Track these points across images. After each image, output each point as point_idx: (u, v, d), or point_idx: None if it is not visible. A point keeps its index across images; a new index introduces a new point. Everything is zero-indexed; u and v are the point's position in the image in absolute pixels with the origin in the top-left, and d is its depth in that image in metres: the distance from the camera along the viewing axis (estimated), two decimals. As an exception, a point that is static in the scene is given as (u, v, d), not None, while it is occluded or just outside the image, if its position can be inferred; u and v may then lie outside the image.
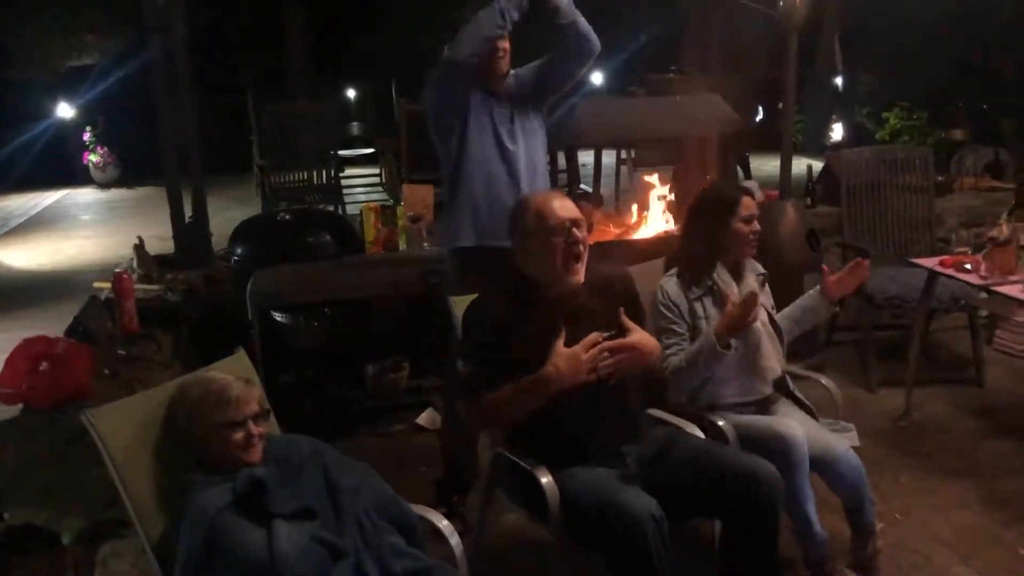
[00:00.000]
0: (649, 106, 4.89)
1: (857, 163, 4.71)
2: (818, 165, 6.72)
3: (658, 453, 2.38)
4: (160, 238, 5.36)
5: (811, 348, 4.30)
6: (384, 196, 8.36)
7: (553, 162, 4.82)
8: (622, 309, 2.33)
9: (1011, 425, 3.84)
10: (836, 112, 10.78)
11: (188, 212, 4.66)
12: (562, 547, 2.28)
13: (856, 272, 2.82)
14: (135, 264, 4.45)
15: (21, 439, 2.91)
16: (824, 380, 3.05)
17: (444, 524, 2.24)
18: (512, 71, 3.11)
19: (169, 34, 4.35)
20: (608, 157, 7.29)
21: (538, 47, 3.10)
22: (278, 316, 4.01)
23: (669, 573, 2.07)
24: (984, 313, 4.43)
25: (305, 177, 7.20)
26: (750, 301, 2.52)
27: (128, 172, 11.98)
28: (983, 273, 3.37)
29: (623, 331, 2.33)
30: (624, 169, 7.21)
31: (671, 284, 2.77)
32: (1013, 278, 3.28)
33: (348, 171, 8.74)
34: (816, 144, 10.04)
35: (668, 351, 2.65)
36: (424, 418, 4.00)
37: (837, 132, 10.43)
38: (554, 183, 3.89)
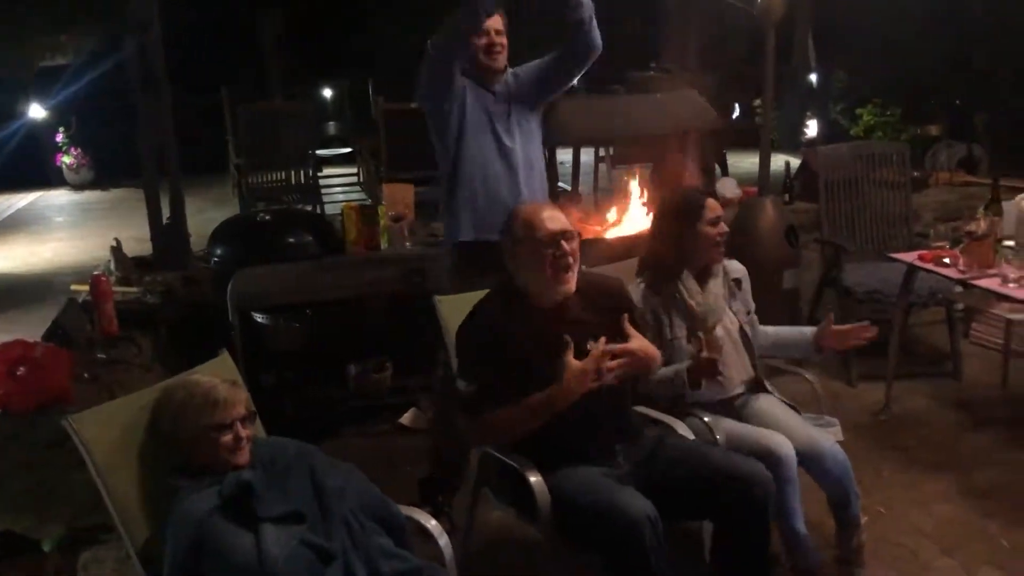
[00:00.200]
0: (630, 104, 4.90)
1: (835, 159, 4.74)
2: (795, 161, 6.77)
3: (650, 453, 2.39)
4: (137, 239, 5.30)
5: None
6: (362, 196, 8.32)
7: (553, 160, 4.80)
8: (625, 316, 2.33)
9: (989, 417, 3.88)
10: (811, 108, 10.84)
11: (165, 213, 4.62)
12: (552, 546, 2.28)
13: (859, 334, 2.77)
14: (112, 266, 4.41)
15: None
16: (807, 375, 3.07)
17: (432, 524, 2.23)
18: (511, 70, 3.12)
19: (145, 33, 4.30)
20: (586, 155, 7.31)
21: (538, 47, 3.12)
22: (259, 317, 3.98)
23: (666, 574, 2.08)
24: (960, 307, 4.47)
25: (283, 177, 7.13)
26: (713, 349, 2.52)
27: (102, 173, 11.83)
28: (962, 267, 3.40)
29: (621, 339, 2.33)
30: (603, 167, 7.22)
31: (636, 292, 2.75)
32: (991, 272, 3.32)
33: (325, 171, 8.69)
34: (791, 140, 10.10)
35: None
36: (407, 418, 3.98)
37: (812, 128, 10.49)
38: (551, 181, 3.90)
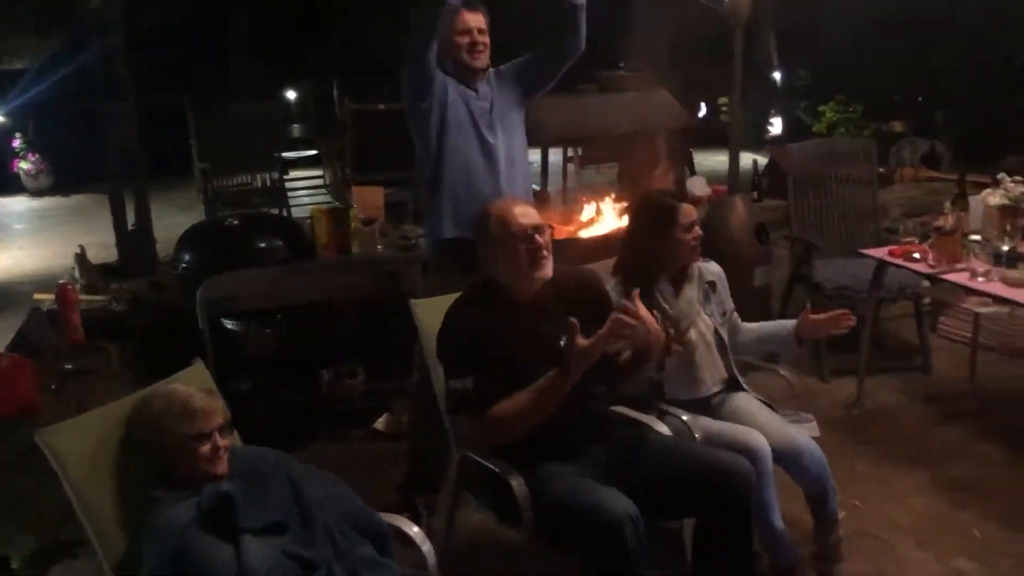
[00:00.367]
0: (601, 103, 4.90)
1: (803, 157, 4.77)
2: (761, 159, 6.84)
3: (629, 451, 2.39)
4: (101, 246, 5.22)
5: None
6: (328, 198, 8.25)
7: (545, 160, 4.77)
8: (636, 292, 2.26)
9: (959, 410, 3.94)
10: (774, 106, 10.96)
11: (129, 219, 4.55)
12: (533, 548, 2.27)
13: (837, 321, 2.77)
14: (77, 274, 4.34)
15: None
16: (783, 371, 3.09)
17: (415, 531, 2.21)
18: (493, 68, 3.12)
19: (108, 36, 4.23)
20: (554, 155, 7.31)
21: (521, 46, 3.12)
22: (229, 323, 3.92)
23: (646, 573, 2.07)
24: (927, 301, 4.53)
25: (249, 180, 7.05)
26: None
27: (62, 179, 11.61)
28: (931, 262, 3.44)
29: (598, 328, 2.33)
30: (571, 167, 7.22)
31: (613, 293, 2.74)
32: (959, 266, 3.36)
33: (291, 173, 8.61)
34: (755, 138, 10.20)
35: None
36: (381, 423, 3.94)
37: (776, 126, 10.60)
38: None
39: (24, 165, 11.83)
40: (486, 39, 3.03)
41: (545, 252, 2.36)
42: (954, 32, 8.38)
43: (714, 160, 8.78)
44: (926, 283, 4.07)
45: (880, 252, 3.74)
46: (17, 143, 11.78)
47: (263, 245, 4.16)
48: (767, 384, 2.98)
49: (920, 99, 8.65)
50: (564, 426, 2.31)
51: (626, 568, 2.04)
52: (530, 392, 2.22)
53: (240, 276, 3.91)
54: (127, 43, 4.45)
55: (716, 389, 2.82)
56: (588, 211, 4.66)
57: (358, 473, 3.36)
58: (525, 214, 2.37)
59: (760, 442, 2.52)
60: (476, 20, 3.00)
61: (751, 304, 4.10)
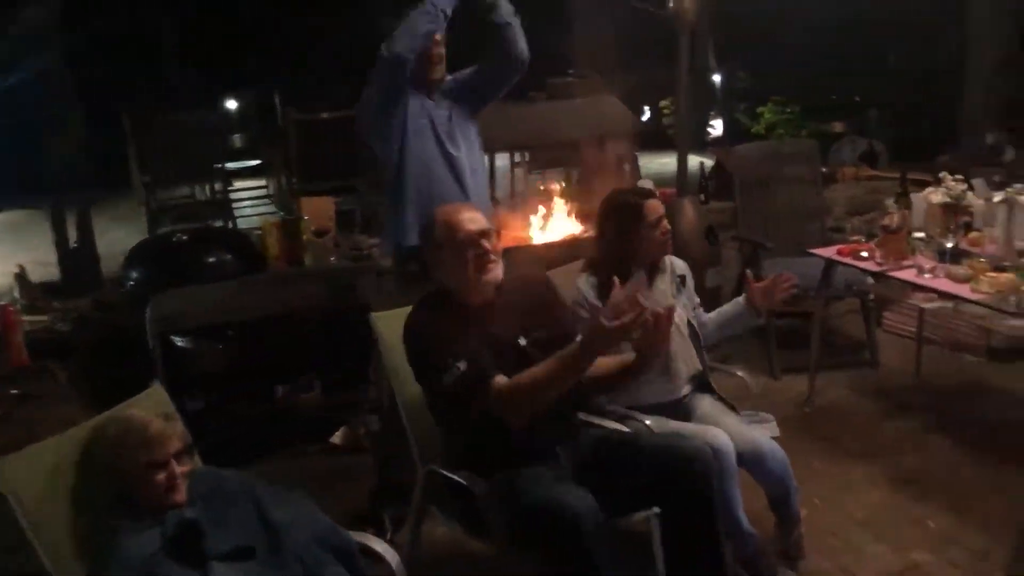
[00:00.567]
0: (549, 110, 4.93)
1: (748, 159, 4.86)
2: (707, 161, 6.93)
3: (590, 450, 2.39)
4: (40, 264, 5.06)
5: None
6: (272, 209, 8.14)
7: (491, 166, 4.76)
8: (616, 281, 2.20)
9: (907, 403, 4.03)
10: (714, 108, 11.12)
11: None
12: (501, 560, 2.26)
13: (779, 284, 2.81)
14: (17, 294, 4.21)
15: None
16: (740, 372, 3.14)
17: (383, 548, 2.19)
18: (449, 76, 3.16)
19: (46, 48, 4.11)
20: (501, 160, 7.30)
21: (476, 54, 3.16)
22: (180, 340, 3.84)
23: (609, 570, 2.07)
24: (872, 297, 4.63)
25: (192, 193, 6.93)
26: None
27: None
28: (879, 260, 3.51)
29: (555, 327, 2.37)
30: (519, 172, 7.22)
31: (585, 284, 2.79)
32: (906, 264, 3.44)
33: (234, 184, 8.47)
34: (697, 140, 10.33)
35: None
36: (338, 436, 3.90)
37: (717, 128, 10.75)
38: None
39: (-48, 181, 11.45)
40: (442, 50, 3.07)
41: (493, 256, 2.35)
42: (884, 35, 8.62)
43: (657, 163, 8.86)
44: (870, 280, 4.16)
45: (829, 251, 3.81)
46: (-56, 158, 11.40)
47: (213, 260, 4.09)
48: (723, 385, 3.01)
49: (857, 99, 8.86)
50: (532, 430, 2.31)
51: (588, 563, 2.03)
52: (545, 366, 2.16)
53: (190, 292, 3.84)
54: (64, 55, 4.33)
55: (686, 391, 2.85)
56: (539, 217, 4.68)
57: (316, 488, 3.31)
58: (472, 219, 2.37)
59: (722, 439, 2.55)
60: None
61: (704, 306, 4.16)
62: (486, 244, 2.34)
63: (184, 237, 4.33)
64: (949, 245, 3.34)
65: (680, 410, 2.81)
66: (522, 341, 2.36)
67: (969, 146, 6.93)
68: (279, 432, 3.89)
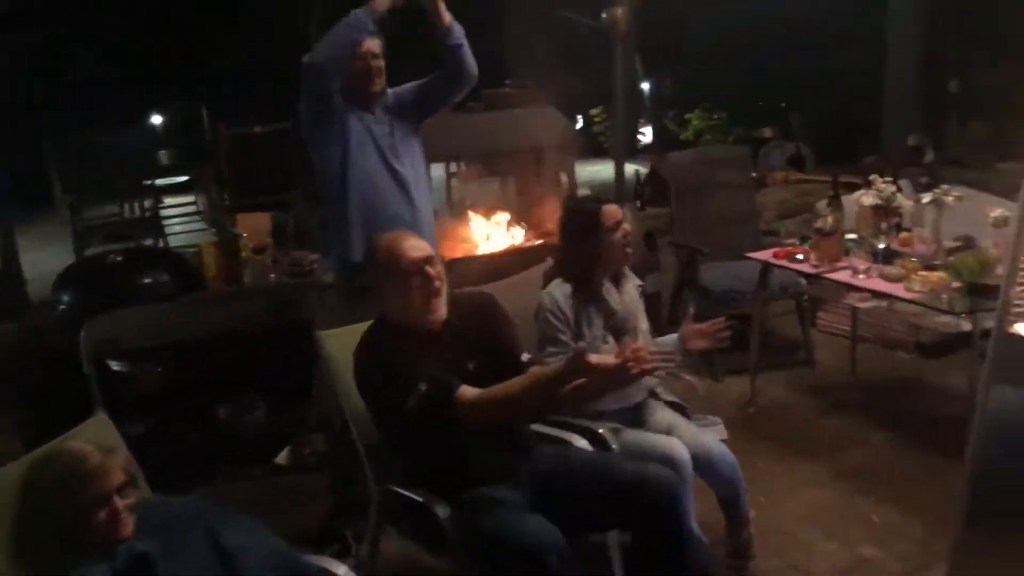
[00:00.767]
0: (486, 120, 4.95)
1: (682, 165, 4.94)
2: (641, 168, 7.01)
3: (552, 471, 2.39)
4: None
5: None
6: (203, 226, 7.96)
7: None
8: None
9: (844, 400, 4.14)
10: (643, 116, 11.25)
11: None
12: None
13: (715, 332, 2.75)
14: (-62, 321, 4.04)
15: None
16: (687, 376, 3.18)
17: (343, 572, 2.15)
18: (390, 90, 3.15)
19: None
20: (437, 170, 7.28)
21: (417, 69, 3.17)
22: (116, 365, 3.73)
23: None
24: (806, 298, 4.74)
25: (120, 211, 6.75)
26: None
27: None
28: (814, 263, 3.60)
29: (503, 353, 2.35)
30: (455, 183, 7.21)
31: (559, 291, 2.79)
32: (841, 265, 3.54)
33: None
34: (627, 147, 10.44)
35: (550, 359, 2.66)
36: (284, 457, 3.83)
37: (647, 135, 10.88)
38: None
39: None
40: (381, 63, 3.07)
41: (437, 284, 2.33)
42: (803, 40, 8.87)
43: (589, 171, 8.93)
44: (803, 281, 4.26)
45: (765, 255, 3.90)
46: None
47: (148, 280, 3.98)
48: (670, 388, 3.05)
49: (783, 105, 9.07)
50: (490, 449, 2.30)
51: None
52: (519, 384, 2.20)
53: (126, 314, 3.73)
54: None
55: (641, 397, 2.87)
56: (480, 228, 4.68)
57: (263, 510, 3.24)
58: (415, 247, 2.34)
59: (680, 451, 2.58)
60: (371, 45, 3.03)
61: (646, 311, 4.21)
62: (430, 271, 2.32)
63: (118, 258, 4.21)
64: (881, 246, 3.45)
65: (636, 415, 2.84)
66: (471, 366, 2.33)
67: (892, 148, 7.13)
68: (223, 454, 3.80)
